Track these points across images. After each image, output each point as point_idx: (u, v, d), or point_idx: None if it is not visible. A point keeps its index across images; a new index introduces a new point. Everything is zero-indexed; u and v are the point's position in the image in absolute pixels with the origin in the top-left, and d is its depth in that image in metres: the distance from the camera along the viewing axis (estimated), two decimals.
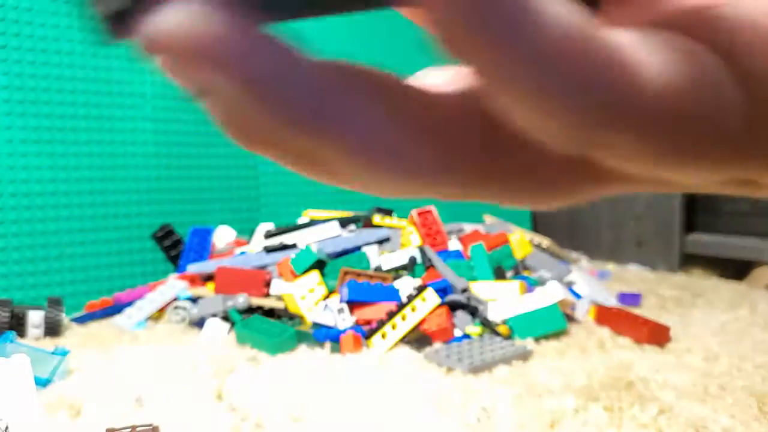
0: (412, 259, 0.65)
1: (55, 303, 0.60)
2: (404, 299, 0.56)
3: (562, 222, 1.23)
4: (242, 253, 0.74)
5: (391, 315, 0.55)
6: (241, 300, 0.62)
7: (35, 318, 0.58)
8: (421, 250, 0.66)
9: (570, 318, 0.62)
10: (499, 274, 0.66)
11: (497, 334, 0.56)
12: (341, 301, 0.58)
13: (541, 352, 0.53)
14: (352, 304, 0.58)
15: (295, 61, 0.10)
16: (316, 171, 0.12)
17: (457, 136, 0.11)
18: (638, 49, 0.10)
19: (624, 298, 0.72)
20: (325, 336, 0.55)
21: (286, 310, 0.62)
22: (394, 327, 0.54)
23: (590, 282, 0.73)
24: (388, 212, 0.83)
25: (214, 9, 0.10)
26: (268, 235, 0.77)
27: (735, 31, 0.11)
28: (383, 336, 0.54)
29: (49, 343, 0.56)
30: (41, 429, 0.38)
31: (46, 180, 0.73)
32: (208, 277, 0.72)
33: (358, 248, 0.70)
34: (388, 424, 0.39)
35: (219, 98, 0.11)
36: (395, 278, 0.64)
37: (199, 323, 0.63)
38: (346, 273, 0.62)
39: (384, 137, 0.11)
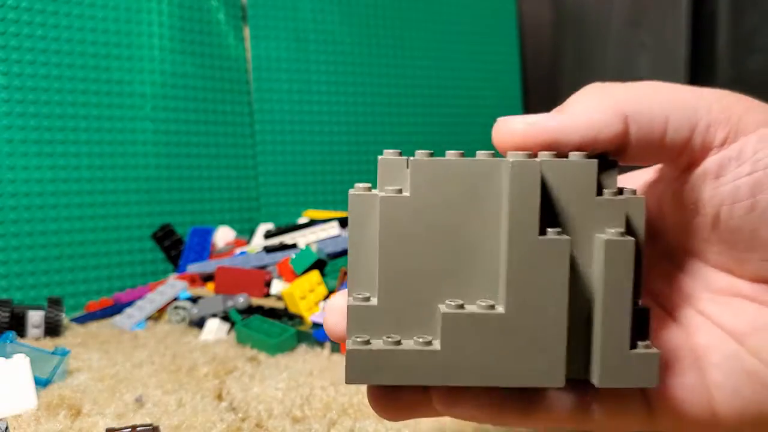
0: None
1: (55, 303, 0.60)
2: None
3: None
4: (242, 253, 0.74)
5: None
6: (241, 300, 0.62)
7: (35, 318, 0.58)
8: None
9: None
10: None
11: None
12: None
13: None
14: None
15: None
16: None
17: None
18: None
19: None
20: (325, 336, 0.55)
21: (286, 310, 0.62)
22: None
23: None
24: None
25: None
26: (268, 235, 0.77)
27: None
28: None
29: (49, 343, 0.56)
30: (41, 429, 0.38)
31: (46, 180, 0.73)
32: (208, 277, 0.72)
33: None
34: (388, 423, 0.39)
35: None
36: None
37: (199, 323, 0.63)
38: (346, 273, 0.62)
39: None
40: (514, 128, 0.21)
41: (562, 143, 0.20)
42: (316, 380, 0.46)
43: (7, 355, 0.42)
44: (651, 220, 0.24)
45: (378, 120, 1.01)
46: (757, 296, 0.21)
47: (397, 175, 0.21)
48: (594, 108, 0.20)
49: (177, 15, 0.84)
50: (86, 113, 0.76)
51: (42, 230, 0.72)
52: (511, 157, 0.20)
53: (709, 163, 0.21)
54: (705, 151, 0.21)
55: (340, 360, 0.51)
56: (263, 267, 0.69)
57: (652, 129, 0.20)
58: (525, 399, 0.21)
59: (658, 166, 0.24)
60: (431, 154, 0.20)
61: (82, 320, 0.66)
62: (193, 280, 0.71)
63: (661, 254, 0.24)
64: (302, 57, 0.95)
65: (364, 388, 0.43)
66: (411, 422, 0.39)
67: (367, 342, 0.19)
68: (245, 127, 0.91)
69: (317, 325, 0.59)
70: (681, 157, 0.21)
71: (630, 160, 0.22)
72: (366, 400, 0.42)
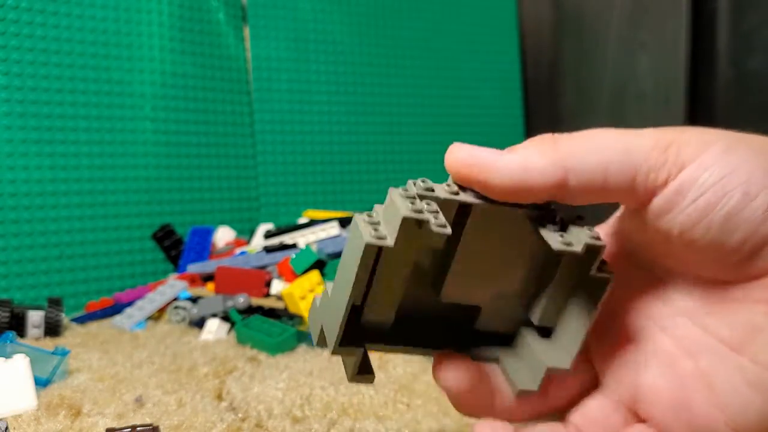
0: None
1: (55, 303, 0.60)
2: None
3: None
4: (242, 253, 0.74)
5: None
6: (241, 300, 0.62)
7: (35, 318, 0.58)
8: None
9: None
10: None
11: None
12: None
13: None
14: None
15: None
16: None
17: None
18: None
19: None
20: None
21: (286, 310, 0.62)
22: None
23: None
24: None
25: None
26: (268, 235, 0.77)
27: None
28: None
29: (49, 343, 0.56)
30: (41, 429, 0.38)
31: (46, 180, 0.73)
32: (208, 277, 0.72)
33: None
34: (388, 423, 0.39)
35: None
36: None
37: (199, 323, 0.63)
38: None
39: None
40: (457, 155, 0.23)
41: (492, 180, 0.22)
42: (316, 380, 0.46)
43: (7, 355, 0.42)
44: (631, 253, 0.26)
45: (378, 120, 1.01)
46: (747, 296, 0.22)
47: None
48: (535, 155, 0.23)
49: (177, 15, 0.84)
50: (86, 113, 0.76)
51: (42, 230, 0.72)
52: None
53: (657, 202, 0.22)
54: (650, 194, 0.22)
55: (339, 360, 0.51)
56: (263, 267, 0.69)
57: (592, 180, 0.22)
58: None
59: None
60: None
61: (82, 320, 0.66)
62: (193, 280, 0.71)
63: (652, 285, 0.25)
64: (302, 57, 0.95)
65: (364, 388, 0.43)
66: (411, 422, 0.39)
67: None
68: (245, 127, 0.91)
69: None
70: (627, 200, 0.23)
71: (574, 203, 0.24)
72: (366, 400, 0.42)
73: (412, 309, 0.25)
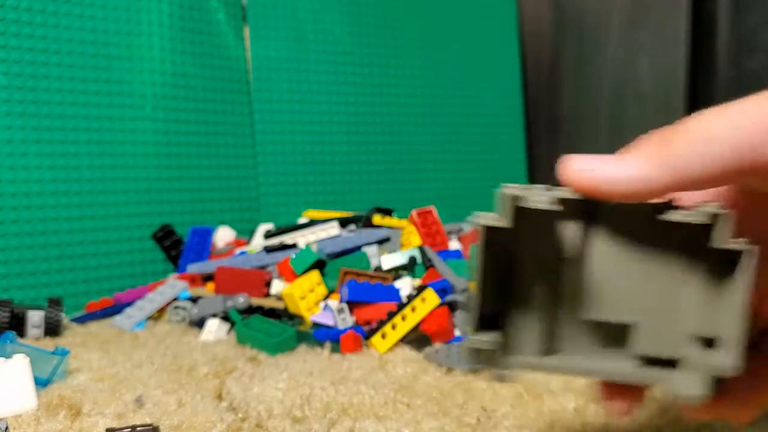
0: (412, 259, 0.65)
1: (55, 303, 0.60)
2: (404, 299, 0.56)
3: None
4: (242, 253, 0.74)
5: (391, 315, 0.55)
6: (241, 300, 0.62)
7: (35, 318, 0.58)
8: (421, 250, 0.66)
9: None
10: None
11: None
12: (341, 301, 0.59)
13: None
14: (352, 304, 0.58)
15: None
16: None
17: None
18: None
19: None
20: (325, 336, 0.55)
21: (286, 310, 0.62)
22: (394, 327, 0.54)
23: None
24: (388, 212, 0.83)
25: None
26: (268, 235, 0.77)
27: None
28: (383, 336, 0.54)
29: (49, 343, 0.56)
30: (41, 429, 0.38)
31: (46, 180, 0.73)
32: (208, 277, 0.72)
33: (358, 248, 0.70)
34: (388, 423, 0.39)
35: None
36: (395, 278, 0.64)
37: (199, 323, 0.63)
38: (346, 273, 0.62)
39: None
40: (577, 167, 0.22)
41: (615, 193, 0.22)
42: (316, 380, 0.46)
43: (7, 355, 0.42)
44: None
45: (378, 120, 1.01)
46: None
47: None
48: (645, 166, 0.22)
49: (177, 15, 0.84)
50: (86, 113, 0.76)
51: (42, 230, 0.72)
52: None
53: None
54: None
55: (339, 360, 0.51)
56: (263, 267, 0.69)
57: (709, 178, 0.21)
58: None
59: None
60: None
61: (82, 320, 0.66)
62: (193, 280, 0.71)
63: None
64: (302, 57, 0.95)
65: (363, 388, 0.43)
66: (411, 422, 0.39)
67: None
68: (245, 127, 0.91)
69: (317, 325, 0.59)
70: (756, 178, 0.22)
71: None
72: (366, 400, 0.42)
73: (566, 334, 0.25)
